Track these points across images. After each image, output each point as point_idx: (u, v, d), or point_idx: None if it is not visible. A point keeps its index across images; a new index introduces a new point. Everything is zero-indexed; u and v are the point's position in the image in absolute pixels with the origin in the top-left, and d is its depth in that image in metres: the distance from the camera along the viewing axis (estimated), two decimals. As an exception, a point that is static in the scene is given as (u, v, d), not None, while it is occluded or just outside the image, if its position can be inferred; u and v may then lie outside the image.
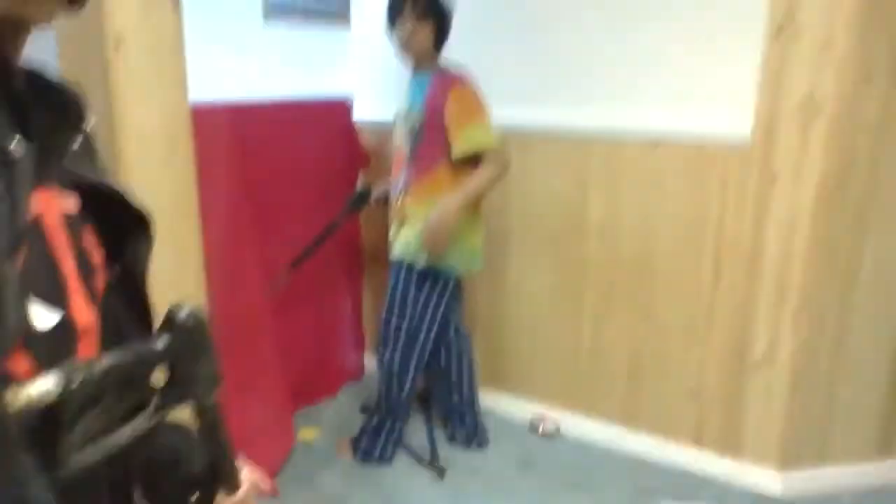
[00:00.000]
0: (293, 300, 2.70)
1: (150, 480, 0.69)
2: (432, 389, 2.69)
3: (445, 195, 2.18)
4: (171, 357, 0.56)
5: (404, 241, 2.30)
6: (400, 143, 2.34)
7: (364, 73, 2.93)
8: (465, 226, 2.27)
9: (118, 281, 0.63)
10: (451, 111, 2.16)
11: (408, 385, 2.39)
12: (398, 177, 2.35)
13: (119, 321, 0.62)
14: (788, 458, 2.32)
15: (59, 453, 0.47)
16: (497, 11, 2.55)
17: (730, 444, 2.40)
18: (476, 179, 2.18)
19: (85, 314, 0.55)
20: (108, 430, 0.51)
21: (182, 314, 0.56)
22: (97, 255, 0.60)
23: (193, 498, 0.71)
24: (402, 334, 2.34)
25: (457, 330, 2.56)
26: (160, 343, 0.55)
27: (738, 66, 2.13)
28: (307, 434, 2.66)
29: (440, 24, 2.23)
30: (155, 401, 0.56)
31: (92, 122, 0.64)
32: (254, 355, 2.31)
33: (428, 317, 2.33)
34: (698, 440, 2.46)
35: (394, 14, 2.23)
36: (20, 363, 0.47)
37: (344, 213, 2.62)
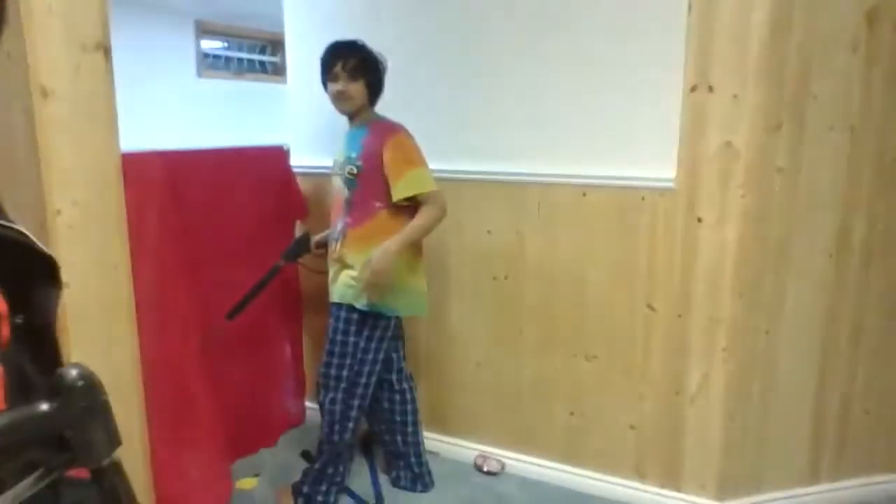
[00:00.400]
0: (230, 347, 2.66)
1: None
2: (375, 433, 2.67)
3: (382, 241, 2.21)
4: (59, 421, 0.55)
5: (343, 285, 2.31)
6: (337, 190, 2.37)
7: (300, 123, 2.96)
8: (408, 271, 2.30)
9: (24, 331, 0.62)
10: (389, 158, 2.21)
11: (350, 429, 2.37)
12: (336, 223, 2.37)
13: (25, 372, 0.61)
14: (726, 489, 2.37)
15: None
16: (439, 70, 2.63)
17: (670, 477, 2.44)
18: (417, 221, 2.22)
19: None
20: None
21: (70, 376, 0.56)
22: (0, 305, 0.59)
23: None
24: (343, 378, 2.33)
25: (400, 372, 2.56)
26: (44, 407, 0.54)
27: (661, 118, 2.23)
28: (246, 484, 2.60)
29: (373, 82, 2.29)
30: (44, 465, 0.56)
31: None
32: (187, 405, 2.26)
33: (369, 360, 2.33)
34: (640, 474, 2.50)
35: (327, 72, 2.29)
36: None
37: (282, 262, 2.61)
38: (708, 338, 2.29)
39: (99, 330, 1.73)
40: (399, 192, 2.21)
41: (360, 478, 2.65)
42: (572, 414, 2.58)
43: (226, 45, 6.49)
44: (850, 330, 2.37)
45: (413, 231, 2.22)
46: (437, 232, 2.64)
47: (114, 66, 1.71)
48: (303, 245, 2.63)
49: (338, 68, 2.25)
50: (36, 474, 0.55)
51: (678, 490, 2.43)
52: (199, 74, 5.89)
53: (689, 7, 2.12)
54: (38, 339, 0.64)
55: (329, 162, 2.46)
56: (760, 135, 2.11)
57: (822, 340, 2.35)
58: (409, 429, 2.57)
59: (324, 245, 2.56)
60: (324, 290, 2.47)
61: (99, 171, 1.71)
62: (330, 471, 2.42)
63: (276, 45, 6.69)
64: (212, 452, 2.38)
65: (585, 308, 2.48)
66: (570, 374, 2.56)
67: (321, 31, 2.61)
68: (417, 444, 2.60)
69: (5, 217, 0.63)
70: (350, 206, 2.30)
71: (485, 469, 2.71)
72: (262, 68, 6.81)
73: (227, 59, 6.48)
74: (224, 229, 2.59)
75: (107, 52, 1.68)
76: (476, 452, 2.77)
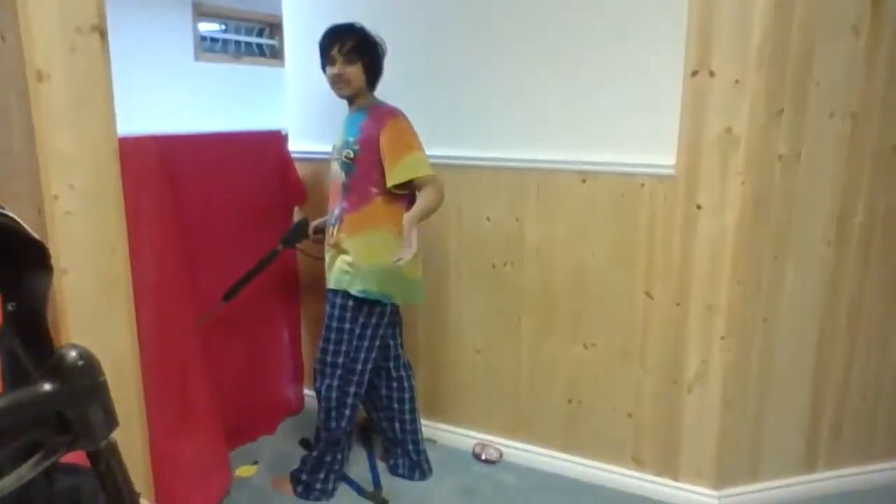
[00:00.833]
0: (228, 335, 2.66)
1: None
2: (373, 420, 2.67)
3: (378, 227, 2.21)
4: (60, 401, 0.55)
5: (338, 271, 2.30)
6: (335, 175, 2.35)
7: (298, 108, 2.94)
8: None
9: (15, 316, 0.61)
10: (386, 142, 2.19)
11: (347, 416, 2.37)
12: (333, 208, 2.36)
13: (17, 357, 0.61)
14: (723, 477, 2.38)
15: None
16: (439, 57, 2.61)
17: (667, 465, 2.45)
18: (425, 199, 2.16)
19: None
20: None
21: (70, 357, 0.55)
22: None
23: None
24: (340, 365, 2.33)
25: (398, 359, 2.56)
26: (47, 387, 0.54)
27: (661, 104, 2.22)
28: (245, 471, 2.61)
29: (371, 65, 2.27)
30: (44, 447, 0.55)
31: None
32: (186, 393, 2.25)
33: (364, 346, 2.32)
34: (637, 462, 2.50)
35: (325, 55, 2.27)
36: None
37: (280, 247, 2.60)
38: (706, 326, 2.29)
39: (98, 315, 1.72)
40: (395, 177, 2.19)
41: (358, 465, 2.65)
42: (570, 402, 2.59)
43: (223, 27, 6.43)
44: (847, 317, 2.37)
45: (427, 205, 2.15)
46: (436, 218, 2.62)
47: (110, 48, 1.69)
48: (301, 230, 2.62)
49: (335, 51, 2.23)
50: (38, 455, 0.54)
51: (675, 478, 2.44)
52: (197, 58, 5.84)
53: (691, -8, 2.11)
54: (31, 325, 0.63)
55: (327, 147, 2.44)
56: (761, 121, 2.10)
57: (819, 328, 2.36)
58: (407, 416, 2.57)
59: (322, 231, 2.55)
60: (322, 277, 2.46)
61: (96, 155, 1.69)
62: (328, 458, 2.42)
63: (274, 27, 6.63)
64: (210, 440, 2.38)
65: (584, 295, 2.48)
66: (568, 361, 2.56)
67: (319, 14, 2.60)
68: (415, 431, 2.60)
69: None
70: (347, 190, 2.29)
71: (483, 457, 2.72)
72: (261, 51, 6.76)
73: (225, 41, 6.42)
74: (222, 214, 2.58)
75: (103, 34, 1.66)
76: (474, 440, 2.78)
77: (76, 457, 0.59)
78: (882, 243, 2.34)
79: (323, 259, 2.44)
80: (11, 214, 0.61)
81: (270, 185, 2.82)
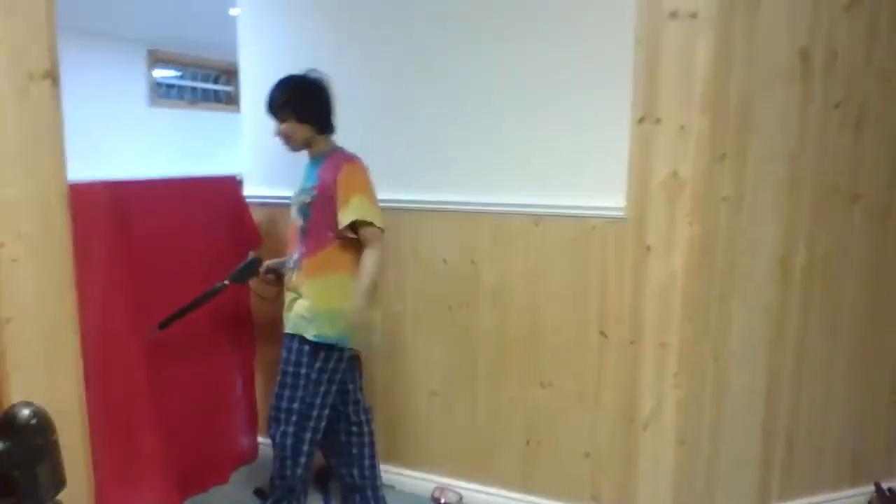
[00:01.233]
0: (179, 380, 2.59)
1: None
2: (331, 466, 2.62)
3: (335, 272, 2.23)
4: (9, 461, 0.54)
5: (296, 315, 2.29)
6: (293, 220, 2.36)
7: (254, 153, 2.94)
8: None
9: None
10: (339, 185, 2.22)
11: (302, 464, 2.32)
12: (293, 252, 2.35)
13: None
14: (680, 513, 2.40)
15: None
16: (392, 103, 2.65)
17: (625, 503, 2.46)
18: (364, 268, 2.23)
19: None
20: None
21: (23, 415, 0.54)
22: None
23: None
24: (295, 411, 2.29)
25: (357, 404, 2.53)
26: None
27: (611, 149, 2.29)
28: (196, 523, 2.52)
29: (309, 116, 2.29)
30: (-12, 510, 0.53)
31: None
32: (134, 442, 2.18)
33: (321, 392, 2.30)
34: (596, 500, 2.50)
35: (269, 113, 2.31)
36: None
37: (227, 282, 2.54)
38: (659, 364, 2.33)
39: (43, 365, 1.67)
40: (344, 217, 2.21)
41: (314, 513, 2.59)
42: (528, 442, 2.59)
43: (179, 73, 6.42)
44: (794, 353, 2.45)
45: (365, 279, 2.23)
46: (394, 260, 2.65)
47: (63, 94, 1.67)
48: (252, 268, 2.58)
49: (271, 112, 2.28)
50: (-20, 519, 0.52)
51: (634, 515, 2.45)
52: (151, 103, 5.81)
53: (636, 41, 2.20)
54: None
55: (283, 191, 2.45)
56: (706, 164, 2.19)
57: (768, 365, 2.42)
58: (367, 462, 2.53)
59: (273, 271, 2.54)
60: (277, 321, 2.43)
61: (44, 201, 1.66)
62: (284, 507, 2.37)
63: (230, 74, 6.65)
64: (160, 490, 2.30)
65: (539, 336, 2.50)
66: (525, 401, 2.56)
67: (274, 60, 2.62)
68: (374, 477, 2.56)
69: None
70: (305, 235, 2.29)
71: (442, 501, 2.68)
72: (217, 97, 6.75)
73: (181, 88, 6.41)
74: (175, 258, 2.53)
75: (55, 80, 1.65)
76: (433, 485, 2.74)
77: None
78: (822, 282, 2.43)
79: (269, 299, 2.42)
80: None
81: (224, 229, 2.79)
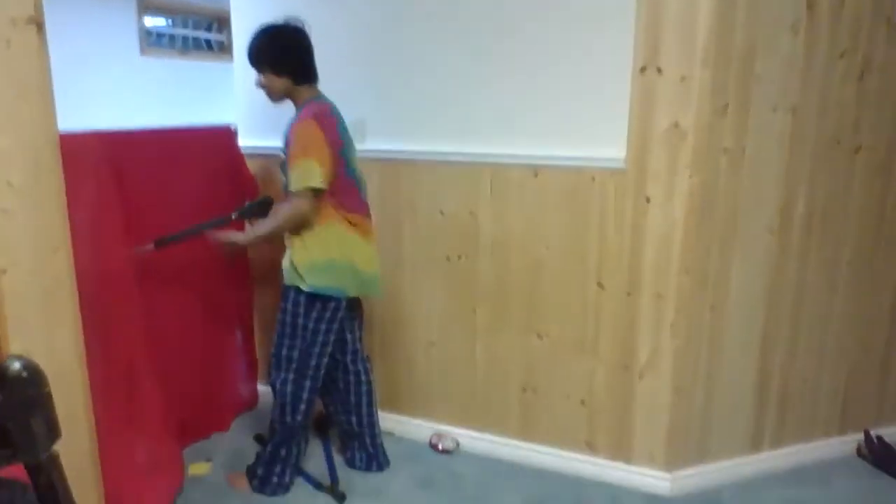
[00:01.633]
0: (179, 330, 2.61)
1: None
2: (330, 413, 2.66)
3: (314, 226, 2.21)
4: (2, 413, 0.54)
5: (289, 267, 2.28)
6: (281, 174, 2.33)
7: (247, 104, 2.89)
8: (355, 253, 2.28)
9: None
10: (290, 149, 2.19)
11: (302, 411, 2.36)
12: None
13: None
14: (674, 459, 2.45)
15: None
16: (391, 52, 2.60)
17: (621, 450, 2.51)
18: (271, 218, 2.30)
19: None
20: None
21: (14, 368, 0.54)
22: None
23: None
24: (294, 359, 2.31)
25: (355, 354, 2.55)
26: (-12, 400, 0.52)
27: (612, 100, 2.26)
28: (199, 469, 2.57)
29: (282, 67, 2.22)
30: (-17, 461, 0.54)
31: None
32: (135, 391, 2.21)
33: (319, 341, 2.31)
34: (591, 447, 2.56)
35: (251, 66, 2.28)
36: None
37: (234, 215, 2.51)
38: (656, 314, 2.35)
39: (40, 316, 1.67)
40: (289, 185, 2.18)
41: (314, 459, 2.65)
42: (525, 390, 2.62)
43: (169, 22, 6.26)
44: (791, 303, 2.46)
45: (262, 227, 2.29)
46: (391, 213, 2.64)
47: (51, 43, 1.63)
48: (262, 207, 2.51)
49: (252, 64, 2.25)
50: (-25, 471, 0.53)
51: (628, 462, 2.50)
52: (142, 52, 5.68)
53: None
54: None
55: (277, 142, 2.40)
56: (707, 116, 2.16)
57: (765, 314, 2.44)
58: (364, 410, 2.57)
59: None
60: (275, 270, 2.43)
61: (35, 151, 1.63)
62: (283, 452, 2.41)
63: (222, 22, 6.49)
64: (162, 438, 2.34)
65: (537, 286, 2.51)
66: (522, 351, 2.59)
67: (267, 8, 2.55)
68: (373, 424, 2.61)
69: None
70: (286, 190, 2.26)
71: (440, 447, 2.74)
72: (209, 46, 6.60)
73: (172, 36, 6.26)
74: (170, 210, 2.51)
75: (40, 26, 1.60)
76: (431, 431, 2.80)
77: (9, 470, 0.58)
78: (822, 232, 2.43)
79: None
80: None
81: (221, 180, 2.76)
